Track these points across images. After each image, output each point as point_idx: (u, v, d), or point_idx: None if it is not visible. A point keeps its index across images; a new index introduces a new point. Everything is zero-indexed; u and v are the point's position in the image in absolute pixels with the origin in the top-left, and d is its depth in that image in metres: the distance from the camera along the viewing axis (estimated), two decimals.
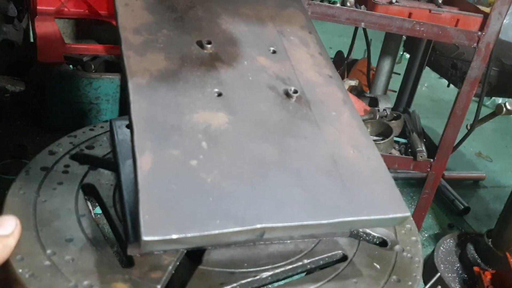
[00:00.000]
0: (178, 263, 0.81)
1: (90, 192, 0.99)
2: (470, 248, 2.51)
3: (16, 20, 2.99)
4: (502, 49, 2.79)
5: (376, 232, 0.99)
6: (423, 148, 2.42)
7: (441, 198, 3.28)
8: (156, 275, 0.77)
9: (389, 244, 0.98)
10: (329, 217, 0.77)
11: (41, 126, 2.75)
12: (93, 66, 2.74)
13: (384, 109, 2.68)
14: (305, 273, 0.90)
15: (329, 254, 0.91)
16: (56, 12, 2.93)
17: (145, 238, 0.65)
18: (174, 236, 0.66)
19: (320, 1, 2.07)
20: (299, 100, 0.93)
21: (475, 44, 2.12)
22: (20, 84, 2.79)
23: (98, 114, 2.74)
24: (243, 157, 0.80)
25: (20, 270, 0.74)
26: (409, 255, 0.96)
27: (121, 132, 1.10)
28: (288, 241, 0.92)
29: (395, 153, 2.51)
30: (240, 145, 0.81)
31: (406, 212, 0.82)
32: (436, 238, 2.87)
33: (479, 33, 2.10)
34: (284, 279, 0.86)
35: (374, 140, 2.44)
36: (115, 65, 2.82)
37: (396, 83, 3.22)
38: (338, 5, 2.08)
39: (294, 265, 0.87)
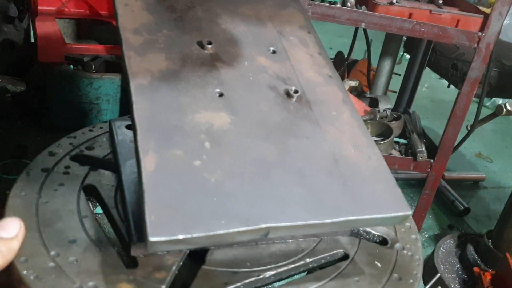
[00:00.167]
0: (181, 263, 0.82)
1: (91, 193, 0.99)
2: (470, 249, 2.51)
3: (17, 20, 2.99)
4: (503, 50, 2.80)
5: (377, 231, 0.99)
6: (423, 148, 2.42)
7: (441, 199, 3.28)
8: (160, 275, 0.78)
9: (389, 243, 0.98)
10: (332, 216, 0.77)
11: (42, 126, 2.76)
12: (93, 66, 2.75)
13: (384, 110, 2.68)
14: (307, 272, 0.90)
15: (331, 253, 0.92)
16: (57, 12, 2.94)
17: (151, 238, 0.65)
18: (180, 237, 0.66)
19: (321, 2, 2.08)
20: (300, 100, 0.94)
21: (475, 45, 2.12)
22: (20, 84, 2.80)
23: (99, 114, 2.74)
24: (246, 157, 0.80)
25: (25, 272, 0.74)
26: (409, 253, 0.97)
27: (121, 133, 1.10)
28: (290, 240, 0.92)
29: (395, 153, 2.51)
30: (243, 145, 0.82)
31: (407, 211, 0.83)
32: (436, 239, 2.87)
33: (480, 33, 2.10)
34: (286, 278, 0.86)
35: (374, 141, 2.44)
36: (116, 65, 2.82)
37: (396, 83, 3.22)
38: (338, 5, 2.09)
39: (297, 264, 0.87)
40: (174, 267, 0.80)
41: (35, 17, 2.80)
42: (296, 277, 0.87)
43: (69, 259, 0.78)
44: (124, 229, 0.87)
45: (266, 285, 0.84)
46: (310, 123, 0.91)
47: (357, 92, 3.17)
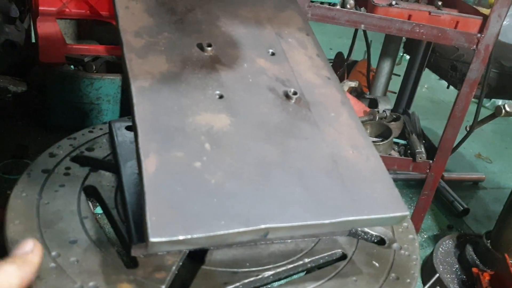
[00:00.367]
0: (181, 263, 0.83)
1: (91, 194, 1.00)
2: (469, 249, 2.52)
3: (18, 21, 3.00)
4: (502, 51, 2.80)
5: (374, 231, 1.00)
6: (423, 149, 2.42)
7: (441, 200, 3.29)
8: (161, 276, 0.79)
9: (387, 243, 0.99)
10: (331, 217, 0.78)
11: (43, 126, 2.76)
12: (94, 67, 2.75)
13: (383, 111, 2.69)
14: (305, 272, 0.91)
15: (329, 253, 0.93)
16: (58, 12, 2.94)
17: (152, 239, 0.66)
18: (181, 237, 0.67)
19: (320, 3, 2.08)
20: (299, 102, 0.95)
21: (474, 46, 2.13)
22: (21, 84, 2.80)
23: (99, 114, 2.75)
24: (246, 158, 0.81)
25: None
26: (406, 253, 0.98)
27: (121, 134, 1.11)
28: (289, 241, 0.93)
29: (395, 154, 2.52)
30: (243, 147, 0.83)
31: (405, 211, 0.84)
32: (435, 239, 2.87)
33: (479, 35, 2.11)
34: (285, 278, 0.87)
35: (374, 142, 2.45)
36: (116, 66, 2.83)
37: (396, 84, 3.23)
38: (338, 7, 2.09)
39: (295, 264, 0.88)
40: (174, 267, 0.81)
41: (36, 18, 2.80)
42: (295, 277, 0.88)
43: (70, 259, 0.79)
44: (125, 230, 0.88)
45: (265, 285, 0.85)
46: (309, 124, 0.92)
47: (357, 93, 3.17)
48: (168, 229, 0.67)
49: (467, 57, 2.69)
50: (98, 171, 1.04)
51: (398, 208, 0.84)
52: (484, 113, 2.63)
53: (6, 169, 2.45)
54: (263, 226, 0.73)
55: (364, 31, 3.05)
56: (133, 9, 0.99)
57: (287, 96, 0.94)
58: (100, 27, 3.19)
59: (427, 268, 2.51)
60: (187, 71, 0.91)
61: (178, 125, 0.81)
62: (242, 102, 0.90)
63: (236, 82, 0.93)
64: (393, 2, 2.13)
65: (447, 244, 2.66)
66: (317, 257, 0.91)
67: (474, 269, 2.37)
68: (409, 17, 2.14)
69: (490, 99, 4.58)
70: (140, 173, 0.73)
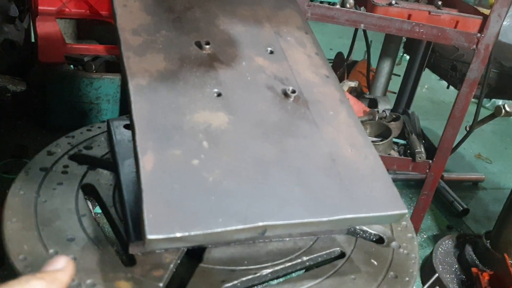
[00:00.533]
0: (179, 261, 0.82)
1: (89, 192, 1.00)
2: (469, 249, 2.51)
3: (17, 20, 2.99)
4: (502, 51, 2.80)
5: (373, 229, 1.00)
6: (422, 149, 2.42)
7: (440, 200, 3.29)
8: (158, 273, 0.78)
9: (385, 241, 0.99)
10: (329, 214, 0.78)
11: (42, 125, 2.76)
12: (94, 66, 2.75)
13: (383, 110, 2.69)
14: (304, 270, 0.91)
15: (328, 251, 0.92)
16: (57, 12, 2.94)
17: (149, 236, 0.66)
18: (178, 235, 0.67)
19: (320, 3, 2.08)
20: (297, 100, 0.94)
21: (474, 46, 2.12)
22: (21, 84, 2.80)
23: (99, 114, 2.75)
24: (244, 156, 0.81)
25: (23, 270, 0.75)
26: (405, 251, 0.97)
27: (119, 132, 1.10)
28: (287, 239, 0.93)
29: (394, 154, 2.51)
30: (241, 145, 0.82)
31: (403, 209, 0.83)
32: (435, 239, 2.87)
33: (478, 35, 2.10)
34: (283, 276, 0.87)
35: (373, 141, 2.44)
36: (116, 65, 2.83)
37: (395, 84, 3.23)
38: (337, 6, 2.09)
39: (294, 262, 0.88)
40: (172, 265, 0.81)
41: (36, 17, 2.80)
42: (293, 275, 0.88)
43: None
44: (122, 228, 0.88)
45: (263, 282, 0.84)
46: (308, 122, 0.92)
47: (357, 93, 3.17)
48: (165, 226, 0.67)
49: (467, 57, 2.69)
50: (96, 169, 1.04)
51: (397, 206, 0.84)
52: (484, 113, 2.63)
53: (6, 169, 2.45)
54: (260, 224, 0.73)
55: (364, 31, 3.05)
56: (131, 7, 0.99)
57: (285, 94, 0.94)
58: (99, 27, 3.19)
59: (427, 268, 2.50)
60: (185, 69, 0.90)
61: (176, 123, 0.81)
62: (240, 100, 0.90)
63: (234, 80, 0.93)
64: (393, 2, 2.13)
65: (447, 244, 2.66)
66: (315, 255, 0.91)
67: (474, 269, 2.37)
68: (409, 16, 2.13)
69: (490, 99, 4.58)
70: (137, 171, 0.73)
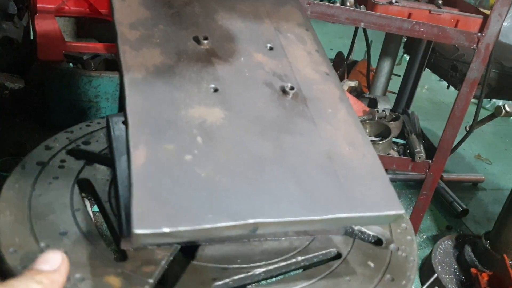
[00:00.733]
0: (171, 258, 0.81)
1: (85, 187, 0.99)
2: (468, 250, 2.51)
3: (16, 18, 2.99)
4: (502, 52, 2.79)
5: (371, 231, 0.98)
6: (422, 149, 2.41)
7: (440, 200, 3.28)
8: (149, 269, 0.77)
9: (384, 243, 0.97)
10: (323, 213, 0.77)
11: (41, 123, 2.75)
12: (93, 65, 2.74)
13: (383, 110, 2.68)
14: (298, 270, 0.89)
15: (323, 252, 0.91)
16: (57, 10, 2.93)
17: (136, 231, 0.65)
18: (166, 230, 0.66)
19: (320, 1, 2.07)
20: (296, 97, 0.93)
21: (474, 46, 2.11)
22: (19, 81, 2.79)
23: (98, 112, 2.74)
24: (239, 153, 0.80)
25: (13, 263, 0.74)
26: (404, 254, 0.96)
27: (118, 128, 1.10)
28: (283, 238, 0.91)
29: (394, 154, 2.50)
30: (236, 141, 0.81)
31: (400, 210, 0.82)
32: (434, 240, 2.86)
33: (479, 34, 2.09)
34: (277, 275, 0.86)
35: (373, 141, 2.44)
36: (115, 64, 2.81)
37: (395, 84, 3.22)
38: (337, 4, 2.08)
39: (288, 262, 0.87)
40: (163, 262, 0.79)
41: (35, 15, 2.79)
42: (288, 275, 0.87)
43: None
44: (116, 223, 0.87)
45: (256, 282, 0.83)
46: (305, 120, 0.91)
47: (357, 93, 3.16)
48: (153, 221, 0.66)
49: (467, 57, 2.68)
50: (93, 164, 1.03)
51: (393, 206, 0.82)
52: (485, 114, 2.62)
53: (4, 167, 2.44)
54: (251, 221, 0.71)
55: (364, 31, 3.04)
56: (129, 1, 0.98)
57: (284, 91, 0.93)
58: (99, 25, 3.18)
59: (426, 268, 2.50)
60: (182, 64, 0.90)
61: (170, 117, 0.80)
62: (237, 96, 0.89)
63: (232, 76, 0.92)
64: (393, 0, 2.12)
65: (446, 245, 2.65)
66: (310, 255, 0.89)
67: (473, 270, 2.36)
68: (409, 15, 2.12)
69: (490, 100, 4.57)
70: (129, 165, 0.72)
